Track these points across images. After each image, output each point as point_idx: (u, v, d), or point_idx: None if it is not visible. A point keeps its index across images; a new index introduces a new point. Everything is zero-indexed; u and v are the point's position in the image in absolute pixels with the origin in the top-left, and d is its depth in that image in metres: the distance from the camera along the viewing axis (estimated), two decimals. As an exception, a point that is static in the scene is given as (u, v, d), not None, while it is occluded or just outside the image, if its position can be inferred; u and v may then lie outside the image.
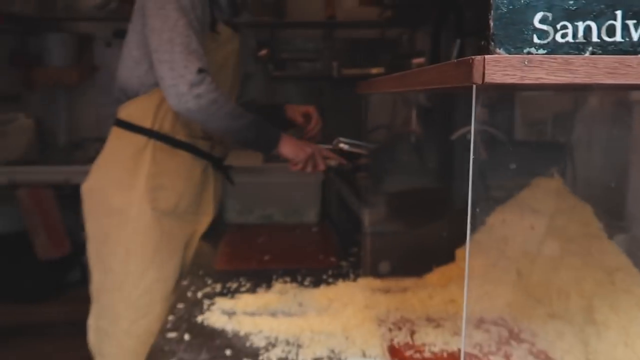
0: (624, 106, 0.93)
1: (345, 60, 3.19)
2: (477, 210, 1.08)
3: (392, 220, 1.02)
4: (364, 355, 0.76)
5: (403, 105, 2.32)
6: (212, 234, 1.44)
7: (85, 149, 2.88)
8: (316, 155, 1.28)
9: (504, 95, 1.42)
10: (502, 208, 1.01)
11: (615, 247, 0.82)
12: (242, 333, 0.81)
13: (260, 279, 1.05)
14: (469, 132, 1.17)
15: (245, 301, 0.92)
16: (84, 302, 1.35)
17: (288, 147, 1.26)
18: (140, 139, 1.29)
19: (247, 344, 0.78)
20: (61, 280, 2.86)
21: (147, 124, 1.29)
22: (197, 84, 1.15)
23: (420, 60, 2.81)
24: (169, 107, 1.27)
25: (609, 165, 0.97)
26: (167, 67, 1.17)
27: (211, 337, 0.80)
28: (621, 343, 0.69)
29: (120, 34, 3.01)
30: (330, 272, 1.11)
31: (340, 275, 1.10)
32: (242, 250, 1.26)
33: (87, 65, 3.06)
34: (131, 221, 1.27)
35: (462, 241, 1.06)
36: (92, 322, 1.33)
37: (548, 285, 0.86)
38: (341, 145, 1.11)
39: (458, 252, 1.02)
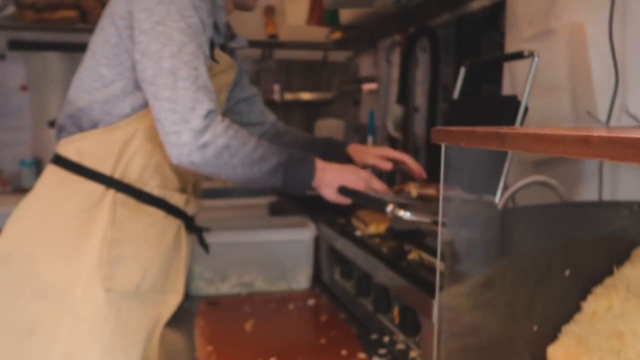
0: None
1: (288, 83, 2.92)
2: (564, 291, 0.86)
3: (471, 310, 0.76)
4: None
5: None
6: (176, 314, 1.08)
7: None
8: (371, 179, 0.94)
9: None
10: (605, 290, 0.79)
11: None
12: None
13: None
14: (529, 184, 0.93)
15: None
16: None
17: (332, 174, 0.93)
18: (95, 188, 0.91)
19: None
20: None
21: (106, 168, 0.92)
22: (204, 131, 0.83)
23: (373, 86, 2.62)
24: (139, 146, 0.91)
25: None
26: (168, 107, 0.84)
27: None
28: None
29: (17, 45, 2.50)
30: (373, 382, 0.82)
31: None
32: (230, 348, 0.92)
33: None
34: (74, 307, 0.88)
35: (555, 334, 0.82)
36: None
37: None
38: (405, 216, 0.81)
39: (552, 351, 0.78)
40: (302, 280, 1.25)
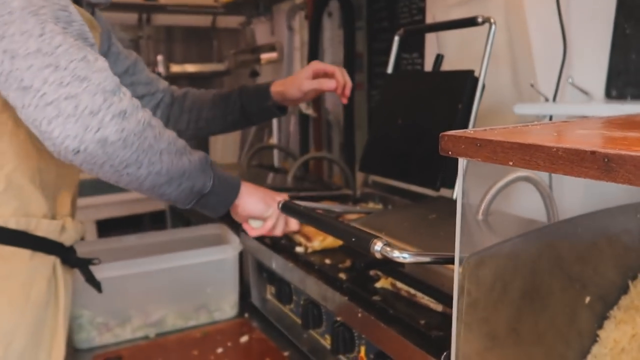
0: None
1: (171, 53, 2.55)
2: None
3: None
4: None
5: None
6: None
7: None
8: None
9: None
10: (625, 313, 0.66)
11: None
12: None
13: None
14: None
15: None
16: None
17: (255, 195, 0.77)
18: None
19: None
20: None
21: None
22: (116, 91, 0.58)
23: (272, 55, 2.34)
24: None
25: None
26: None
27: None
28: None
29: None
30: None
31: None
32: None
33: None
34: None
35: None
36: None
37: None
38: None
39: None
40: (227, 309, 1.00)
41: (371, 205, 1.14)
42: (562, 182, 0.95)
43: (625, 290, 0.68)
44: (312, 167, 1.81)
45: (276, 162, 1.92)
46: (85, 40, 0.60)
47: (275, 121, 2.05)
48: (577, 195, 0.94)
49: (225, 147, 2.34)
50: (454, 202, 0.79)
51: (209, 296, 0.97)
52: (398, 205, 1.11)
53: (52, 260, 0.72)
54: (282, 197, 0.79)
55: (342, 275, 0.79)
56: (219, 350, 0.88)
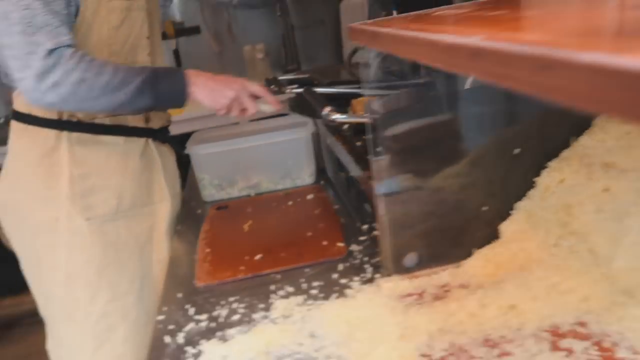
0: None
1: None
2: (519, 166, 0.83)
3: (415, 199, 0.78)
4: None
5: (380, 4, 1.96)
6: (188, 221, 1.20)
7: None
8: (241, 95, 0.99)
9: None
10: (558, 163, 0.76)
11: None
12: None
13: (254, 296, 0.82)
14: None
15: (240, 345, 0.70)
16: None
17: (203, 93, 0.95)
18: (49, 134, 1.00)
19: None
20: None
21: (53, 113, 0.99)
22: (50, 70, 0.84)
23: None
24: None
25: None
26: (9, 54, 0.86)
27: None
28: None
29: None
30: (341, 268, 0.88)
31: (354, 270, 0.87)
32: (225, 249, 1.02)
33: None
34: (63, 239, 1.02)
35: (507, 212, 0.82)
36: (50, 347, 1.12)
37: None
38: (338, 118, 0.82)
39: (504, 228, 0.79)
40: (306, 177, 1.30)
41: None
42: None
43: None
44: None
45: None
46: (47, 26, 0.83)
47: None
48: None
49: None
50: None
51: (290, 167, 1.29)
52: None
53: (142, 141, 1.10)
54: (236, 84, 0.98)
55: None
56: (290, 203, 1.20)
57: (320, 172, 1.33)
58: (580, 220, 0.70)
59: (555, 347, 0.61)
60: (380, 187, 0.76)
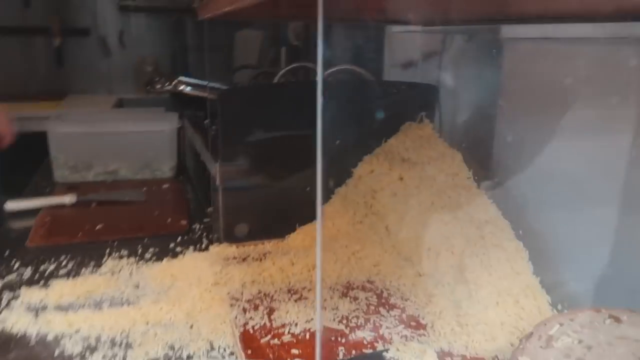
0: (494, 45, 0.85)
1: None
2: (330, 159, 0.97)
3: (250, 173, 0.88)
4: (211, 347, 0.62)
5: (271, 42, 2.11)
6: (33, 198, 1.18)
7: None
8: None
9: (374, 34, 1.31)
10: (371, 158, 0.91)
11: (485, 198, 0.77)
12: (50, 336, 0.62)
13: (87, 256, 0.85)
14: (338, 72, 1.03)
15: (61, 289, 0.73)
16: None
17: None
18: None
19: (57, 351, 0.60)
20: None
21: None
22: None
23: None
24: None
25: (477, 109, 0.91)
26: None
27: (6, 347, 0.61)
28: (492, 304, 0.64)
29: None
30: (179, 240, 0.94)
31: (192, 242, 0.94)
32: (66, 218, 1.03)
33: None
34: None
35: (328, 196, 0.95)
36: None
37: (417, 241, 0.79)
38: (182, 87, 0.92)
39: (324, 209, 0.91)
40: (166, 170, 1.35)
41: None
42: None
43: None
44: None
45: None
46: None
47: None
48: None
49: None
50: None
51: (151, 158, 1.33)
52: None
53: None
54: None
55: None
56: (144, 189, 1.24)
57: (183, 169, 1.39)
58: (381, 203, 0.85)
59: (344, 295, 0.73)
60: (221, 184, 0.85)
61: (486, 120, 0.87)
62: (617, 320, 0.50)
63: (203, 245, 0.92)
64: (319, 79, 0.32)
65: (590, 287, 0.65)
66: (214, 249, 0.86)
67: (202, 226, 1.02)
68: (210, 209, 1.08)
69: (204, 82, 0.99)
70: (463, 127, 0.90)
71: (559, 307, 0.63)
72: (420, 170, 0.84)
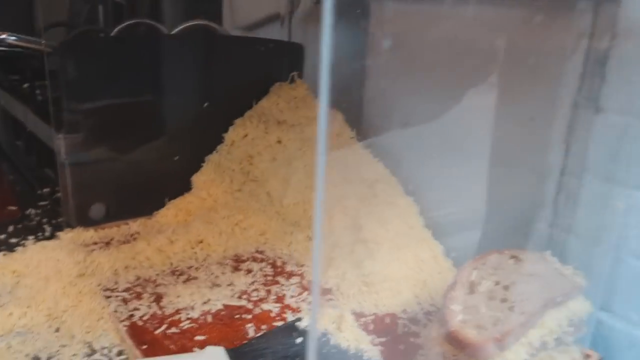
0: (359, 6, 0.85)
1: None
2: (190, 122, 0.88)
3: (101, 144, 0.74)
4: (91, 350, 0.51)
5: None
6: None
7: None
8: None
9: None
10: (243, 121, 0.85)
11: (371, 157, 0.77)
12: None
13: None
14: (192, 27, 0.93)
15: None
16: None
17: None
18: None
19: None
20: None
21: None
22: None
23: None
24: None
25: (347, 70, 0.90)
26: None
27: None
28: (393, 259, 0.64)
29: None
30: (11, 229, 0.76)
31: (29, 230, 0.76)
32: None
33: None
34: None
35: (198, 165, 0.86)
36: None
37: (305, 206, 0.75)
38: (3, 36, 0.72)
39: (196, 179, 0.82)
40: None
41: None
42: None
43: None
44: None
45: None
46: None
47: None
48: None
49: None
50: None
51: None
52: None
53: None
54: None
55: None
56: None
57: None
58: (259, 168, 0.80)
59: (236, 269, 0.66)
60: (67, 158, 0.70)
61: (356, 81, 0.87)
62: (518, 259, 0.54)
63: (47, 233, 0.75)
64: (324, 77, 0.26)
65: (472, 234, 0.69)
66: (66, 235, 0.71)
67: (39, 211, 0.84)
68: (47, 190, 0.90)
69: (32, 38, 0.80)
70: (337, 88, 0.89)
71: (453, 254, 0.66)
72: (299, 132, 0.80)
